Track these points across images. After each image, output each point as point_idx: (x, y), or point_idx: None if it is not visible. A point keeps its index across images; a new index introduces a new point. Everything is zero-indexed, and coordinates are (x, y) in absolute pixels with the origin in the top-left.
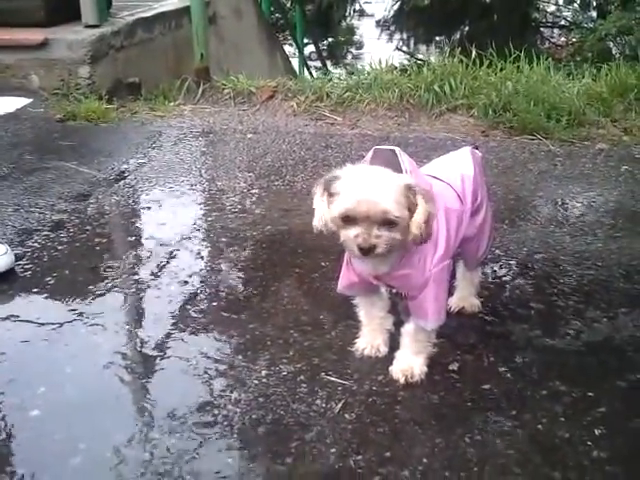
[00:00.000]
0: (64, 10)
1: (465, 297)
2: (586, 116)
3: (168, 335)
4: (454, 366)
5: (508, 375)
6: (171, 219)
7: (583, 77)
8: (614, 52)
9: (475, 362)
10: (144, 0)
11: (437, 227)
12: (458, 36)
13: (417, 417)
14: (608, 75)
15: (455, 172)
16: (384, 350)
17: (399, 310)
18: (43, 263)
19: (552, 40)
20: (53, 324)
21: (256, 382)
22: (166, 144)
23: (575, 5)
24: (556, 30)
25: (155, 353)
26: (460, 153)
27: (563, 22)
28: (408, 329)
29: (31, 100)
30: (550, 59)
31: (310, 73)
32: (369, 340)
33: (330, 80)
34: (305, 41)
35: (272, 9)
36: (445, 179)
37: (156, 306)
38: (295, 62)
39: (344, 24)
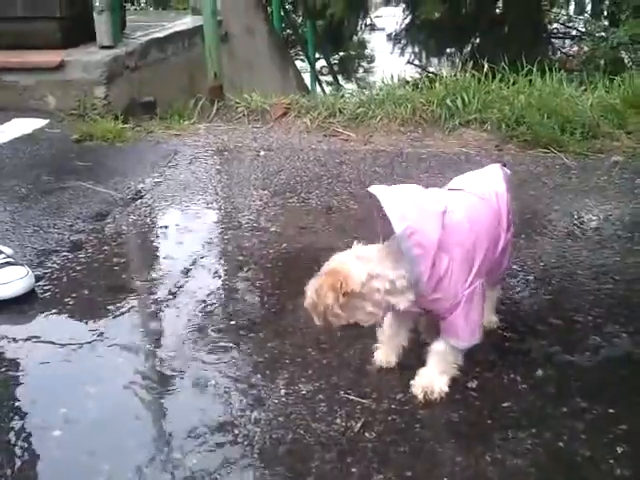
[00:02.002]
0: (79, 32)
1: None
2: (600, 128)
3: (187, 354)
4: (473, 384)
5: (528, 392)
6: (188, 238)
7: (596, 89)
8: (626, 61)
9: (494, 379)
10: (157, 20)
11: (474, 249)
12: (469, 48)
13: (437, 436)
14: (621, 86)
15: (490, 189)
16: (394, 362)
17: (419, 329)
18: (62, 284)
19: (564, 50)
20: (73, 345)
21: (275, 401)
22: (182, 163)
23: (586, 15)
24: (567, 40)
25: (174, 373)
26: (490, 170)
27: (574, 32)
28: (437, 348)
29: (48, 121)
30: (562, 71)
31: (322, 88)
32: (385, 354)
33: (343, 96)
34: (316, 56)
35: (283, 25)
36: (484, 196)
37: (175, 325)
38: (307, 77)
39: (355, 38)
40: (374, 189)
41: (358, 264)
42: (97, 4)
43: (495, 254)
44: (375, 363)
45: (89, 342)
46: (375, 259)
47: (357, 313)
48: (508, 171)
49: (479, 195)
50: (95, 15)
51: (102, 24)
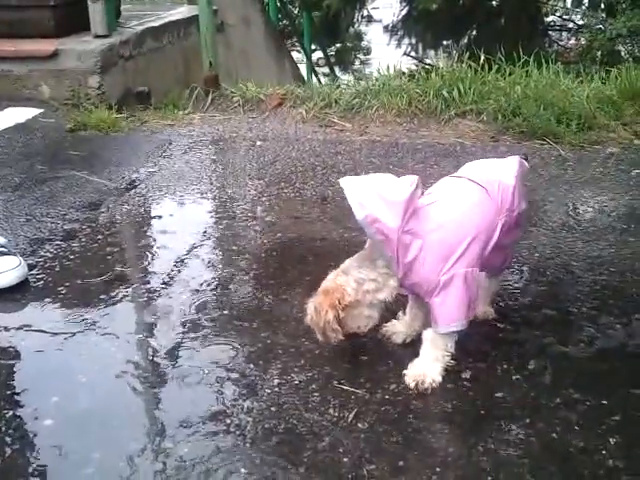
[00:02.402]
0: (73, 20)
1: (479, 304)
2: (596, 120)
3: (180, 344)
4: (467, 374)
5: (521, 383)
6: (182, 228)
7: (592, 80)
8: (623, 53)
9: (488, 370)
10: (152, 9)
11: (455, 236)
12: (466, 40)
13: (430, 426)
14: (618, 78)
15: (494, 179)
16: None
17: None
18: (55, 273)
19: (560, 43)
20: (66, 333)
21: (268, 391)
22: (176, 153)
23: (583, 7)
24: (564, 33)
25: (167, 362)
26: (507, 161)
27: (571, 25)
28: (426, 335)
29: (42, 110)
30: (559, 63)
31: (318, 79)
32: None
33: (338, 87)
34: (313, 47)
35: (280, 16)
36: (484, 184)
37: (168, 315)
38: (303, 68)
39: (352, 30)
40: (343, 181)
41: (345, 277)
42: None
43: (489, 244)
44: (386, 335)
45: (81, 331)
46: (355, 267)
47: (357, 320)
48: (527, 165)
49: (478, 183)
50: (90, 3)
51: (96, 13)
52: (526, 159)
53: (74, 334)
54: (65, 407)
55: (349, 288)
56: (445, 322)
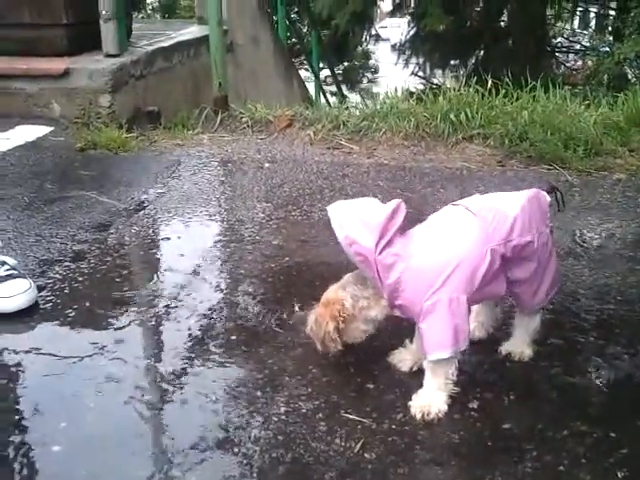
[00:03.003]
0: (85, 39)
1: (516, 343)
2: (603, 146)
3: (187, 370)
4: (474, 404)
5: (528, 414)
6: (190, 250)
7: (600, 106)
8: (630, 77)
9: (495, 400)
10: (163, 29)
11: (439, 262)
12: (474, 61)
13: (437, 457)
14: (625, 104)
15: (491, 207)
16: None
17: None
18: (64, 295)
19: (568, 65)
20: (74, 357)
21: (275, 419)
22: (185, 174)
23: (590, 30)
24: (571, 55)
25: (174, 388)
26: (520, 193)
27: (579, 47)
28: (426, 364)
29: (52, 129)
30: (566, 86)
31: (326, 98)
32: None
33: (347, 108)
34: (321, 65)
35: (288, 34)
36: (475, 211)
37: (175, 340)
38: (311, 87)
39: (360, 49)
40: (330, 207)
41: (344, 292)
42: (104, 12)
43: (477, 272)
44: (393, 363)
45: (90, 355)
46: (351, 284)
47: (353, 333)
48: (548, 198)
49: (471, 211)
50: (101, 23)
51: (108, 32)
52: (551, 191)
53: (82, 358)
54: (73, 433)
55: (348, 303)
56: (432, 349)
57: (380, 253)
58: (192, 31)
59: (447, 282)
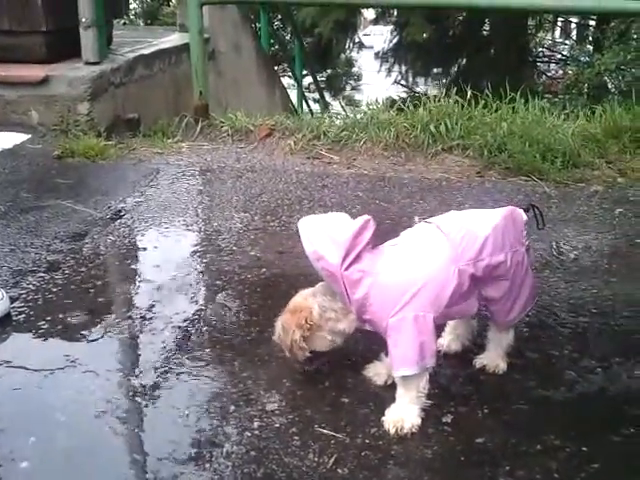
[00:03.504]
0: (65, 47)
1: (491, 357)
2: (581, 157)
3: (160, 383)
4: (447, 418)
5: (502, 428)
6: (166, 261)
7: (578, 118)
8: (610, 87)
9: (469, 414)
10: (144, 36)
11: (406, 280)
12: (456, 69)
13: (410, 473)
14: (602, 116)
15: (462, 227)
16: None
17: None
18: (37, 306)
19: (548, 74)
20: (46, 370)
21: (248, 434)
22: (163, 182)
23: (571, 40)
24: (552, 65)
25: (146, 402)
26: (494, 211)
27: (559, 56)
28: (397, 377)
29: (29, 136)
30: (546, 97)
31: (308, 105)
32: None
33: (329, 117)
34: (304, 73)
35: (271, 42)
36: (445, 231)
37: (149, 352)
38: (293, 94)
39: (343, 56)
40: (300, 222)
41: (313, 300)
42: (83, 20)
43: (445, 291)
44: (367, 376)
45: (61, 368)
46: (320, 294)
47: (320, 342)
48: (524, 217)
49: (442, 231)
50: (81, 30)
51: (88, 40)
52: (528, 210)
53: (54, 371)
54: (43, 448)
55: (315, 312)
56: (398, 366)
57: (347, 269)
58: (173, 39)
59: (413, 300)
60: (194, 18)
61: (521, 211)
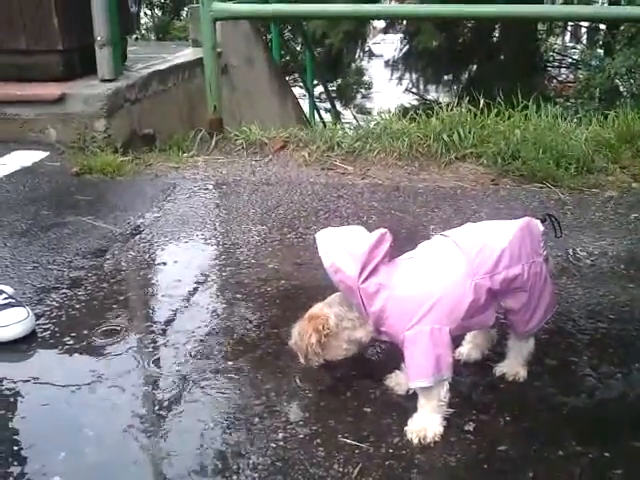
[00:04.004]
0: (81, 64)
1: (511, 365)
2: (595, 163)
3: (185, 396)
4: (469, 426)
5: (524, 435)
6: (186, 275)
7: (590, 123)
8: (621, 90)
9: (490, 422)
10: (158, 52)
11: (421, 294)
12: (466, 76)
13: None
14: (615, 121)
15: (477, 240)
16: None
17: None
18: (61, 322)
19: (559, 79)
20: (72, 386)
21: (273, 445)
22: (180, 197)
23: (582, 44)
24: (563, 69)
25: (172, 415)
26: (511, 223)
27: (570, 60)
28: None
29: (48, 154)
30: (558, 101)
31: (320, 115)
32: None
33: (342, 129)
34: (315, 83)
35: (282, 53)
36: (460, 244)
37: (172, 366)
38: (305, 104)
39: (353, 66)
40: (318, 234)
41: (329, 309)
42: (98, 38)
43: (462, 305)
44: (389, 387)
45: (88, 384)
46: (336, 304)
47: (335, 351)
48: (541, 228)
49: (458, 245)
50: (96, 49)
51: (103, 58)
52: (545, 220)
53: (80, 387)
54: (73, 463)
55: (332, 320)
56: (414, 377)
57: (364, 282)
58: (187, 54)
59: (429, 313)
60: (208, 33)
61: (538, 222)
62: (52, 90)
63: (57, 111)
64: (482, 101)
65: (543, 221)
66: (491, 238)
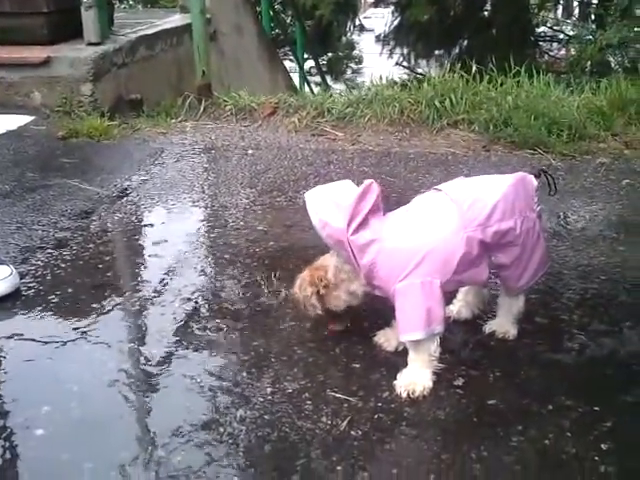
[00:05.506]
0: (66, 28)
1: (500, 323)
2: (587, 130)
3: (172, 352)
4: (459, 382)
5: (513, 390)
6: (173, 236)
7: (583, 91)
8: (613, 65)
9: (480, 378)
10: (146, 18)
11: (413, 246)
12: (457, 50)
13: (423, 433)
14: (608, 89)
15: (470, 193)
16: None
17: None
18: (46, 281)
19: (551, 53)
20: (57, 342)
21: (261, 399)
22: (168, 161)
23: (573, 18)
24: (555, 44)
25: (159, 371)
26: (504, 177)
27: (562, 36)
28: (407, 342)
29: (33, 118)
30: (550, 74)
31: (310, 88)
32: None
33: (331, 96)
34: (305, 56)
35: (272, 25)
36: (453, 197)
37: (160, 323)
38: (295, 77)
39: (344, 39)
40: (307, 194)
41: (331, 260)
42: (85, 0)
43: (453, 257)
44: (378, 343)
45: (72, 340)
46: (336, 254)
47: (335, 301)
48: (534, 183)
49: (451, 197)
50: (83, 11)
51: (89, 20)
52: (539, 175)
53: (65, 343)
54: (57, 417)
55: (329, 270)
56: (404, 330)
57: (354, 234)
58: (175, 19)
59: (420, 266)
60: None
61: (532, 177)
62: (37, 53)
63: (42, 74)
64: (474, 67)
65: (537, 176)
66: (484, 192)
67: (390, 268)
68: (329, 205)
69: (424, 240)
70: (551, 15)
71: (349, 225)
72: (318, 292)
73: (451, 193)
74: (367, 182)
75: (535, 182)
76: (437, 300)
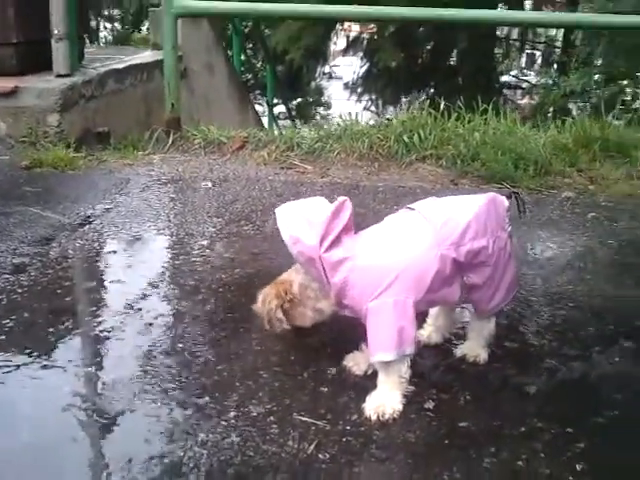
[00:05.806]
0: (36, 60)
1: (471, 346)
2: (552, 166)
3: (131, 377)
4: (429, 404)
5: (485, 413)
6: (137, 263)
7: (548, 129)
8: (575, 112)
9: (451, 401)
10: (116, 54)
11: (385, 265)
12: (424, 97)
13: (393, 456)
14: (573, 127)
15: (443, 212)
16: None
17: None
18: (1, 306)
19: (515, 101)
20: (9, 366)
21: (224, 423)
22: (134, 190)
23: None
24: (518, 92)
25: (117, 395)
26: (476, 197)
27: (525, 85)
28: (377, 364)
29: None
30: (516, 111)
31: (279, 130)
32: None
33: (300, 131)
34: (275, 101)
35: (243, 68)
36: (426, 216)
37: (119, 349)
38: (265, 121)
39: (313, 84)
40: (278, 209)
41: (296, 275)
42: (56, 32)
43: (426, 276)
44: (347, 366)
45: (26, 364)
46: (302, 272)
47: (301, 318)
48: (506, 203)
49: (424, 216)
50: (53, 43)
51: (59, 53)
52: (510, 197)
53: (19, 367)
54: (6, 443)
55: (294, 285)
56: (375, 350)
57: (326, 251)
58: (146, 55)
59: (393, 284)
60: (169, 31)
61: (503, 197)
62: (4, 83)
63: (8, 105)
64: (442, 105)
65: (508, 197)
66: (457, 211)
67: (362, 287)
68: (301, 221)
69: (397, 258)
70: (515, 63)
71: (322, 242)
72: (282, 306)
73: (424, 212)
74: (341, 199)
75: (506, 202)
76: (409, 320)
